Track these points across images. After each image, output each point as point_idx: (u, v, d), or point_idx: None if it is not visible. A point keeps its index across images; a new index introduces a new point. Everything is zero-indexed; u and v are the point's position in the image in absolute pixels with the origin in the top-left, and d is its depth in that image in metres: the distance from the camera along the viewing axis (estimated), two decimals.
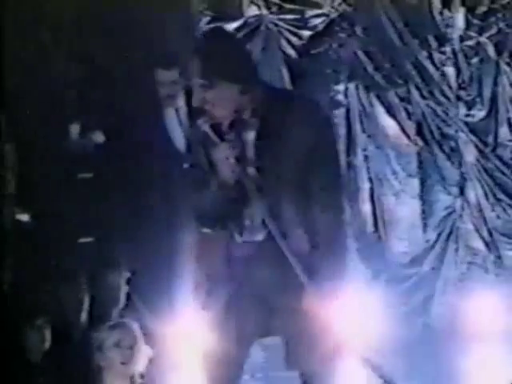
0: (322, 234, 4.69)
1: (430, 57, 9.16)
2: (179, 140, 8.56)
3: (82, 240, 8.11)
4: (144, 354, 5.55)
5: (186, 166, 5.99)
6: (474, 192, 9.08)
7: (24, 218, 8.37)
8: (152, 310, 6.26)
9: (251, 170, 4.71)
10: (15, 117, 8.54)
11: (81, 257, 7.38)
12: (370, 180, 9.11)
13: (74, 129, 8.77)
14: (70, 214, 8.29)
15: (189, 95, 7.33)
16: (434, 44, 9.16)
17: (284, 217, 4.69)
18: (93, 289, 6.36)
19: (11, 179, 8.43)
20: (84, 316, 6.22)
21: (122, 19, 8.41)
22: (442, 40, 9.16)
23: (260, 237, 4.71)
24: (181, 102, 8.53)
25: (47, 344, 5.62)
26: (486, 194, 9.02)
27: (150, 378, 5.57)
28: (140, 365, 5.49)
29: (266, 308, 4.74)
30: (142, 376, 5.59)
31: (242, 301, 4.74)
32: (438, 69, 9.17)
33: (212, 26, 8.65)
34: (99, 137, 8.79)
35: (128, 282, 6.12)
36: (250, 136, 4.74)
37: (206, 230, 4.87)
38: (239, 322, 4.73)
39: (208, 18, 8.88)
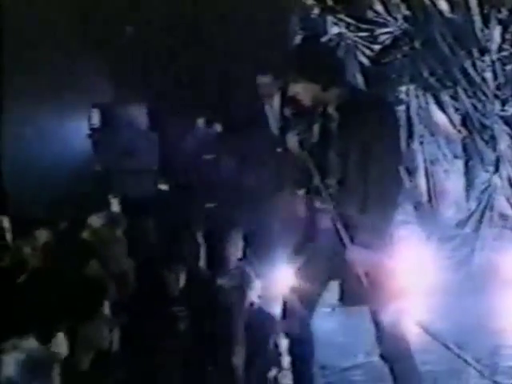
0: (375, 202, 4.52)
1: (474, 64, 9.18)
2: (275, 129, 8.65)
3: (208, 205, 8.25)
4: (256, 290, 5.57)
5: (278, 149, 6.03)
6: (506, 170, 9.12)
7: (164, 187, 8.51)
8: (261, 259, 6.33)
9: (331, 154, 4.64)
10: (158, 111, 8.73)
11: (205, 217, 7.48)
12: (425, 161, 9.13)
13: (201, 121, 8.92)
14: (198, 185, 8.44)
15: (283, 94, 7.43)
16: (476, 54, 9.17)
17: (348, 188, 4.58)
18: (214, 242, 6.32)
19: (155, 158, 8.59)
20: (202, 263, 6.17)
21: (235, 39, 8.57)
22: (483, 51, 9.17)
23: (332, 204, 4.58)
24: (276, 99, 8.57)
25: (182, 282, 5.57)
26: None
27: (260, 308, 5.60)
28: (253, 298, 5.52)
29: (334, 257, 4.65)
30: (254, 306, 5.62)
31: (319, 251, 4.69)
32: (479, 74, 9.18)
33: (304, 41, 8.71)
34: (218, 127, 8.92)
35: (244, 238, 6.08)
36: (333, 126, 4.67)
37: (299, 192, 4.81)
38: (316, 267, 4.67)
39: (300, 36, 8.93)
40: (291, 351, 4.83)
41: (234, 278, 5.55)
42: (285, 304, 4.81)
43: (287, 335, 4.86)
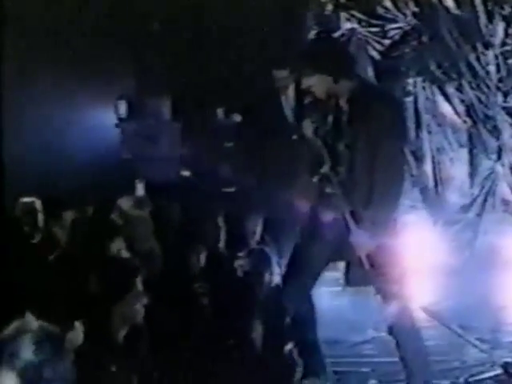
0: (380, 189, 4.55)
1: (478, 58, 9.22)
2: (290, 117, 8.69)
3: (226, 190, 8.31)
4: (273, 269, 5.61)
5: (294, 137, 6.00)
6: (508, 159, 9.17)
7: (186, 173, 8.57)
8: (278, 240, 6.38)
9: (342, 143, 4.67)
10: (181, 102, 8.80)
11: (224, 202, 7.54)
12: (432, 149, 9.17)
13: (220, 111, 8.97)
14: (218, 171, 8.50)
15: (297, 86, 7.43)
16: (480, 49, 9.22)
17: (356, 175, 4.62)
18: (234, 225, 6.34)
19: (178, 146, 8.66)
20: (222, 244, 6.21)
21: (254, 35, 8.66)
22: (487, 46, 9.22)
23: (340, 189, 4.63)
24: (291, 91, 8.60)
25: (202, 262, 5.61)
26: None
27: (277, 286, 5.64)
28: (271, 276, 5.54)
29: (340, 240, 4.70)
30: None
31: (325, 234, 4.73)
32: (483, 67, 9.23)
33: (318, 36, 8.74)
34: (237, 117, 8.97)
35: (262, 220, 6.10)
36: (343, 118, 4.71)
37: (314, 180, 4.80)
38: (320, 247, 4.74)
39: (315, 31, 8.95)
40: (294, 322, 4.96)
41: (252, 258, 5.59)
42: (286, 273, 4.93)
43: (288, 305, 4.96)
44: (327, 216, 4.75)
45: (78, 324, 3.26)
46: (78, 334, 3.21)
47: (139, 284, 4.35)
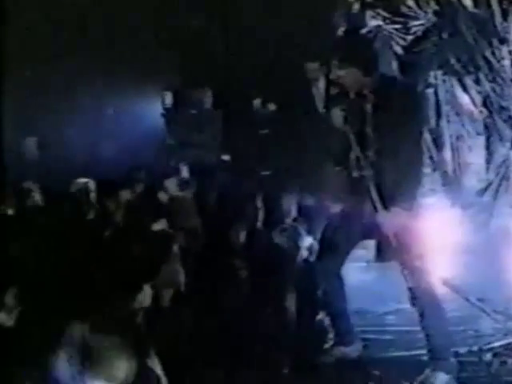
0: (404, 172, 4.58)
1: (493, 53, 9.15)
2: (320, 108, 8.74)
3: (263, 173, 8.40)
4: (306, 246, 5.70)
5: (323, 125, 6.03)
6: None
7: (226, 157, 8.69)
8: (310, 219, 6.48)
9: (368, 129, 4.75)
10: (221, 93, 8.90)
11: (262, 184, 7.63)
12: (451, 137, 9.14)
13: (257, 102, 9.05)
14: (255, 156, 8.59)
15: (327, 77, 7.47)
16: (496, 44, 9.14)
17: (382, 158, 4.67)
18: (270, 205, 6.40)
19: (219, 133, 8.77)
20: (260, 224, 6.27)
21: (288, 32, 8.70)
22: (502, 41, 9.13)
23: (369, 172, 4.71)
24: (321, 82, 8.64)
25: (243, 239, 5.69)
26: None
27: (309, 261, 5.72)
28: (304, 252, 5.64)
29: (368, 220, 4.76)
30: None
31: (351, 212, 4.83)
32: (498, 61, 9.15)
33: (347, 33, 8.77)
34: (272, 106, 9.05)
35: (296, 202, 6.17)
36: (368, 107, 4.78)
37: (343, 164, 4.87)
38: (348, 228, 4.83)
39: (343, 28, 8.92)
40: (325, 295, 5.04)
41: (287, 235, 5.68)
42: (318, 251, 5.03)
43: (320, 279, 5.05)
44: (356, 198, 4.83)
45: (146, 287, 3.33)
46: (146, 295, 3.29)
47: (177, 253, 4.42)
